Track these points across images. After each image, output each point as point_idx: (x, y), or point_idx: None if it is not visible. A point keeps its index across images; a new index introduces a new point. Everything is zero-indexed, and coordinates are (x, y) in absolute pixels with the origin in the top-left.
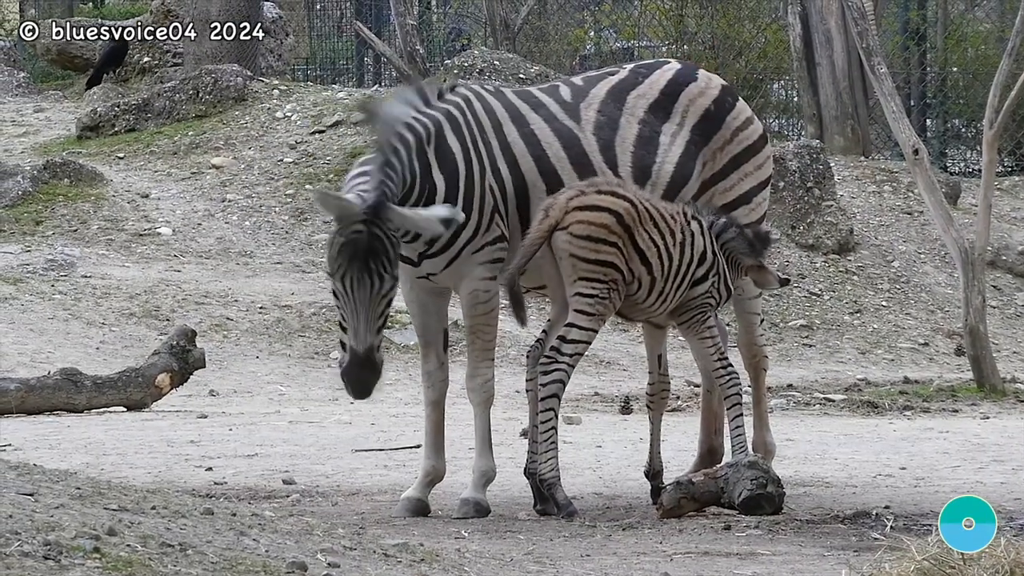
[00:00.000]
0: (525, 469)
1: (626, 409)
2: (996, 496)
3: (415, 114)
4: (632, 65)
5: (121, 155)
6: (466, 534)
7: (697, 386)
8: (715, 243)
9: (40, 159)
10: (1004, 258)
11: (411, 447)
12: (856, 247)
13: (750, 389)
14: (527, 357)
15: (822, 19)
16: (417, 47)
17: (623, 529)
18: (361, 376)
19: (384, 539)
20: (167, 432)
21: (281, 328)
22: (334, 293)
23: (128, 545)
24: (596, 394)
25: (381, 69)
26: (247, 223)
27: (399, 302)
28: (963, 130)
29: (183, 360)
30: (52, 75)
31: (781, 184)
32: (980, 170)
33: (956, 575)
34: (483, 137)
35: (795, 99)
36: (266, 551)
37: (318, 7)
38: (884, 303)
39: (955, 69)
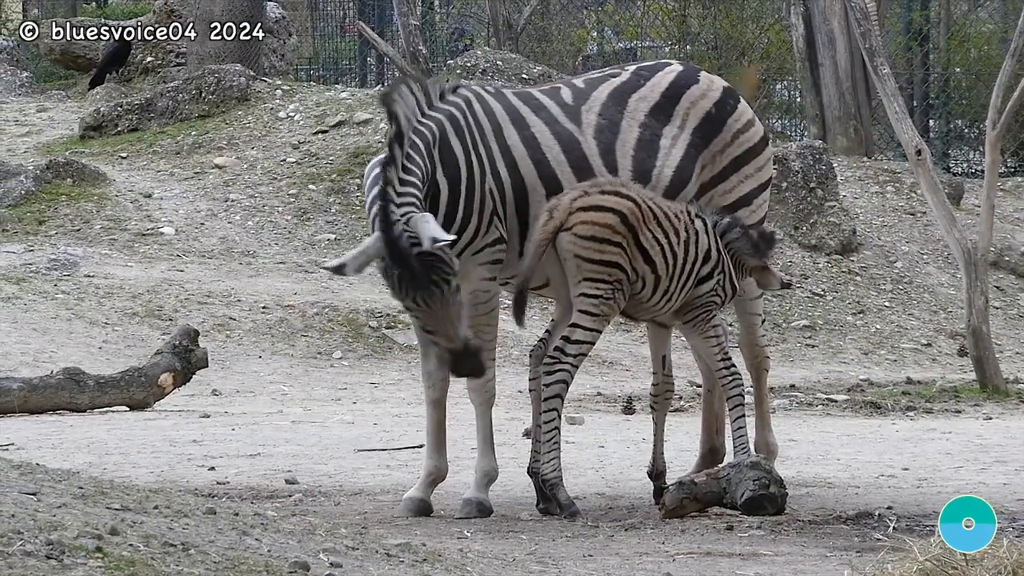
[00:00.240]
0: (528, 469)
1: (629, 409)
2: (999, 497)
3: (421, 116)
4: (634, 67)
5: (124, 155)
6: (468, 534)
7: (699, 386)
8: (719, 242)
9: (43, 159)
10: (1007, 259)
11: (414, 447)
12: (859, 247)
13: (752, 389)
14: (530, 357)
15: (825, 20)
16: (420, 47)
17: (626, 529)
18: (469, 364)
19: (387, 539)
20: (170, 432)
21: (284, 328)
22: (408, 309)
23: (130, 545)
24: (599, 394)
25: (384, 69)
26: (250, 223)
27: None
28: (966, 131)
29: (186, 360)
30: (55, 75)
31: (784, 185)
32: (983, 171)
33: None
34: (483, 140)
35: (798, 99)
36: (268, 551)
37: (321, 7)
38: (887, 304)
39: (958, 70)
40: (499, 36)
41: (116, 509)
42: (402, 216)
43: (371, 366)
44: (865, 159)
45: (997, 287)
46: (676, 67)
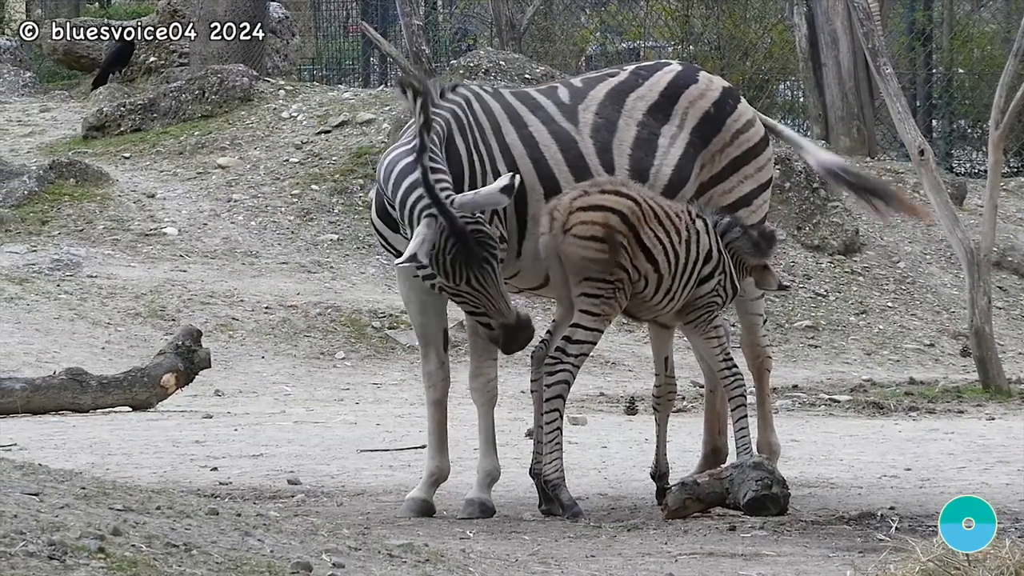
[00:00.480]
0: (530, 470)
1: (631, 410)
2: (1001, 497)
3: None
4: (633, 66)
5: (127, 155)
6: (471, 534)
7: (702, 387)
8: (720, 242)
9: (46, 159)
10: (1010, 259)
11: (416, 447)
12: (862, 248)
13: (754, 390)
14: (532, 357)
15: (828, 20)
16: (423, 47)
17: (628, 530)
18: (522, 336)
19: (389, 539)
20: (172, 432)
21: (287, 328)
22: (458, 295)
23: (133, 545)
24: (601, 394)
25: (387, 69)
26: (253, 223)
27: (399, 302)
28: (969, 131)
29: (188, 360)
30: (58, 75)
31: (787, 185)
32: (986, 171)
33: None
34: (484, 139)
35: (801, 100)
36: (271, 551)
37: (324, 7)
38: (890, 304)
39: (961, 70)
40: (502, 36)
41: (119, 509)
42: (446, 198)
43: (374, 366)
44: (868, 159)
45: (1000, 287)
46: (675, 66)
